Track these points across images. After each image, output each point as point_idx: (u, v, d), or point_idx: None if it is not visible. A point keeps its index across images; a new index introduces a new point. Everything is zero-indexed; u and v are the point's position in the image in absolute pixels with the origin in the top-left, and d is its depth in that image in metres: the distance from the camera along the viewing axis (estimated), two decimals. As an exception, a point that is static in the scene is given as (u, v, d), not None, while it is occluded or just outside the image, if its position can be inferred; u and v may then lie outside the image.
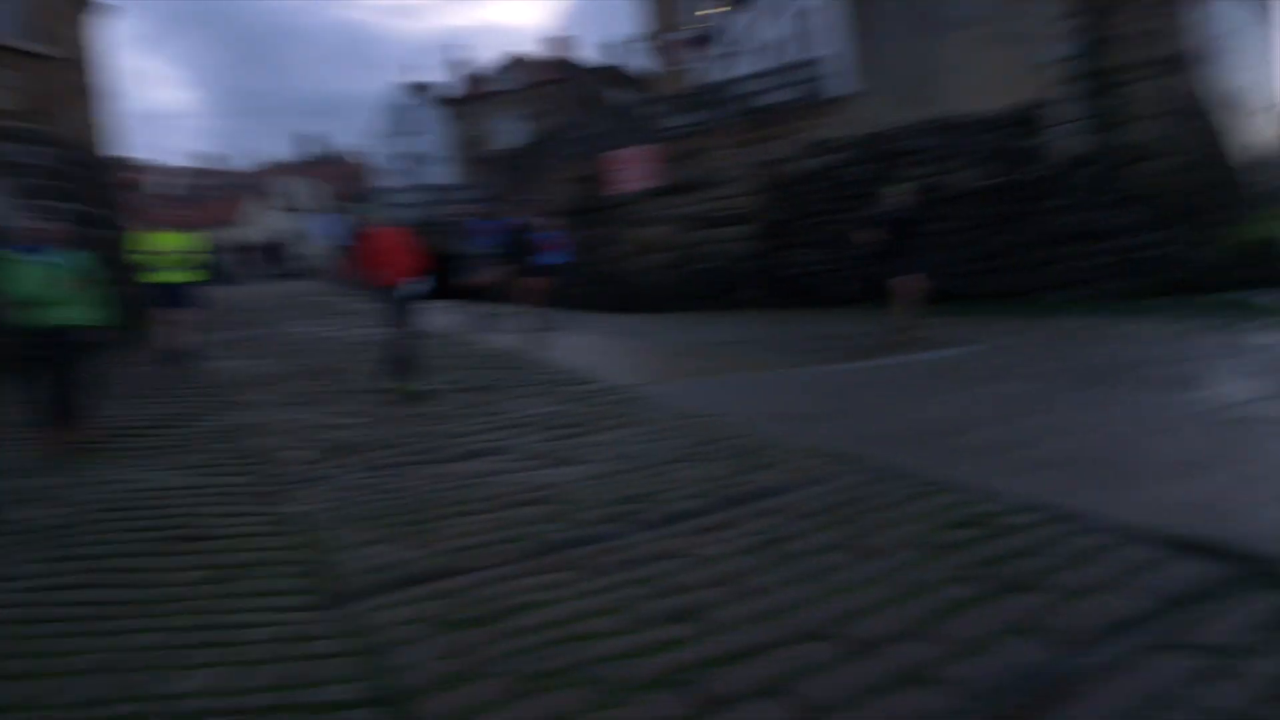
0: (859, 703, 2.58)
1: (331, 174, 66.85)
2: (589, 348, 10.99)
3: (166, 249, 10.31)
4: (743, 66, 24.58)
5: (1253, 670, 2.51)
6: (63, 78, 13.97)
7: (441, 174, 45.97)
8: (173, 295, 10.32)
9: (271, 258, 33.56)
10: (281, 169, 74.53)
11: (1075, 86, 16.43)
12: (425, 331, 8.39)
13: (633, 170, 20.19)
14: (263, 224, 49.71)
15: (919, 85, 17.20)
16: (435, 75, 58.59)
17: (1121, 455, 4.73)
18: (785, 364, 9.35)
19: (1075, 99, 16.39)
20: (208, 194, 69.63)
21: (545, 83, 45.73)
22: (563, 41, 52.40)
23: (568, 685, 2.80)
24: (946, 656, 2.78)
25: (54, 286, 6.54)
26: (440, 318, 8.83)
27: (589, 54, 57.85)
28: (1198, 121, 16.79)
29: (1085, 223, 15.92)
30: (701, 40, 28.73)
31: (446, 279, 13.04)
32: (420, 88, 52.35)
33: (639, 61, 47.39)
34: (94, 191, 14.42)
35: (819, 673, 2.76)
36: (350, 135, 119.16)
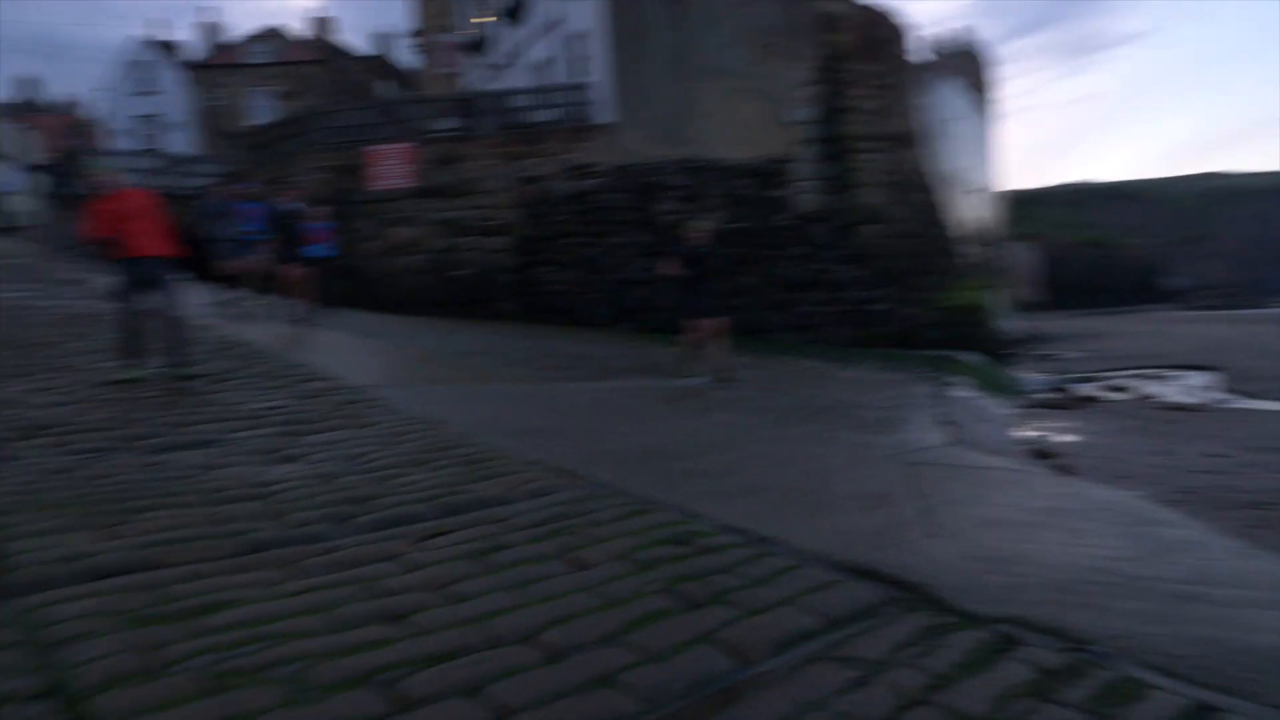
0: (549, 704, 2.71)
1: (50, 124, 59.59)
2: (333, 345, 10.58)
3: None
4: (510, 80, 24.77)
5: (896, 680, 2.89)
6: None
7: (181, 143, 42.30)
8: None
9: None
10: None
11: (814, 148, 18.01)
12: (164, 311, 7.48)
13: (392, 167, 19.66)
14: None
15: (675, 124, 18.14)
16: (183, 35, 53.87)
17: (818, 487, 5.26)
18: (528, 379, 9.51)
19: (813, 159, 17.98)
20: (-113, 124, 59.72)
21: (304, 62, 43.50)
22: (326, 22, 50.04)
23: (257, 683, 2.73)
24: (635, 663, 2.98)
25: None
26: (184, 299, 8.06)
27: (354, 40, 55.55)
28: (919, 194, 18.93)
29: (817, 273, 17.45)
30: (473, 46, 28.61)
31: (196, 258, 12.06)
32: (164, 45, 48.01)
33: (406, 57, 46.31)
34: None
35: (514, 675, 2.86)
36: (77, 85, 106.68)
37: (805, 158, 17.92)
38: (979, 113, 28.72)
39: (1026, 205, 55.56)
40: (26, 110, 68.18)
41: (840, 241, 17.52)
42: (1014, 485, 5.58)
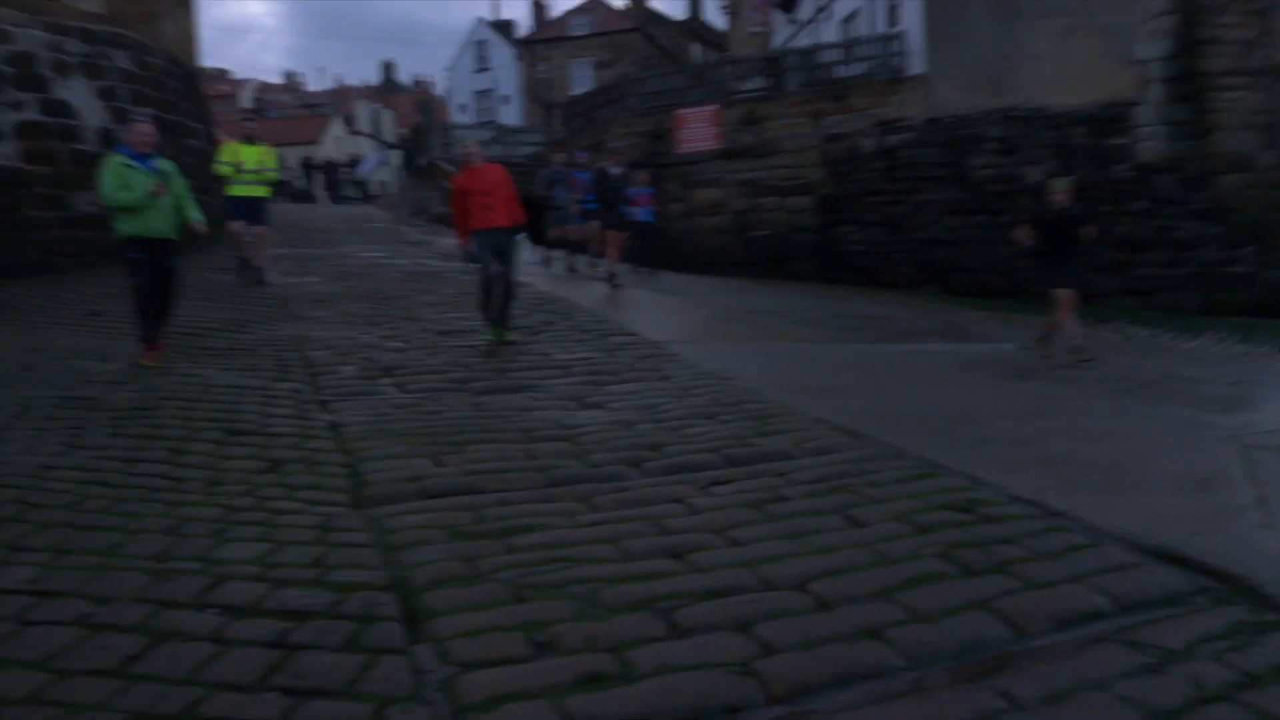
0: (814, 648, 2.83)
1: (402, 103, 67.34)
2: (637, 302, 11.23)
3: (247, 163, 10.53)
4: (818, 36, 24.33)
5: (1195, 672, 2.67)
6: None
7: (510, 115, 46.11)
8: (250, 209, 10.60)
9: (344, 180, 34.07)
10: (358, 93, 75.24)
11: (1163, 88, 16.05)
12: (506, 276, 7.73)
13: (699, 129, 20.17)
14: (337, 146, 50.42)
15: (995, 71, 16.94)
16: (515, 14, 58.22)
17: (1129, 464, 4.85)
18: (821, 338, 9.52)
19: (1162, 101, 16.04)
20: (285, 111, 70.76)
21: (620, 31, 45.41)
22: (644, -11, 51.74)
23: (554, 597, 3.10)
24: (905, 621, 3.01)
25: (157, 194, 6.75)
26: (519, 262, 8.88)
27: (669, 5, 57.12)
28: (1285, 139, 16.31)
29: (1160, 231, 15.67)
30: (783, 4, 28.41)
31: (534, 225, 13.11)
32: (499, 24, 52.33)
33: (718, 19, 46.99)
34: (187, 102, 14.89)
35: (783, 618, 3.01)
36: (426, 66, 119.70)
37: (1152, 100, 16.03)
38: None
39: None
40: (384, 91, 77.78)
41: (1191, 194, 15.54)
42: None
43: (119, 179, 6.66)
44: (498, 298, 7.64)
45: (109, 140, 12.23)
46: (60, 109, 11.94)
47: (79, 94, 12.18)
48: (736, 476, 4.48)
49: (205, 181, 11.90)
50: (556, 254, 14.48)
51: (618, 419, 5.57)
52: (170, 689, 2.59)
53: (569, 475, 4.49)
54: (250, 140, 10.78)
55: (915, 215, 17.46)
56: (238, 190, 10.54)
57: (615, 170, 13.16)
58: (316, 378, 6.51)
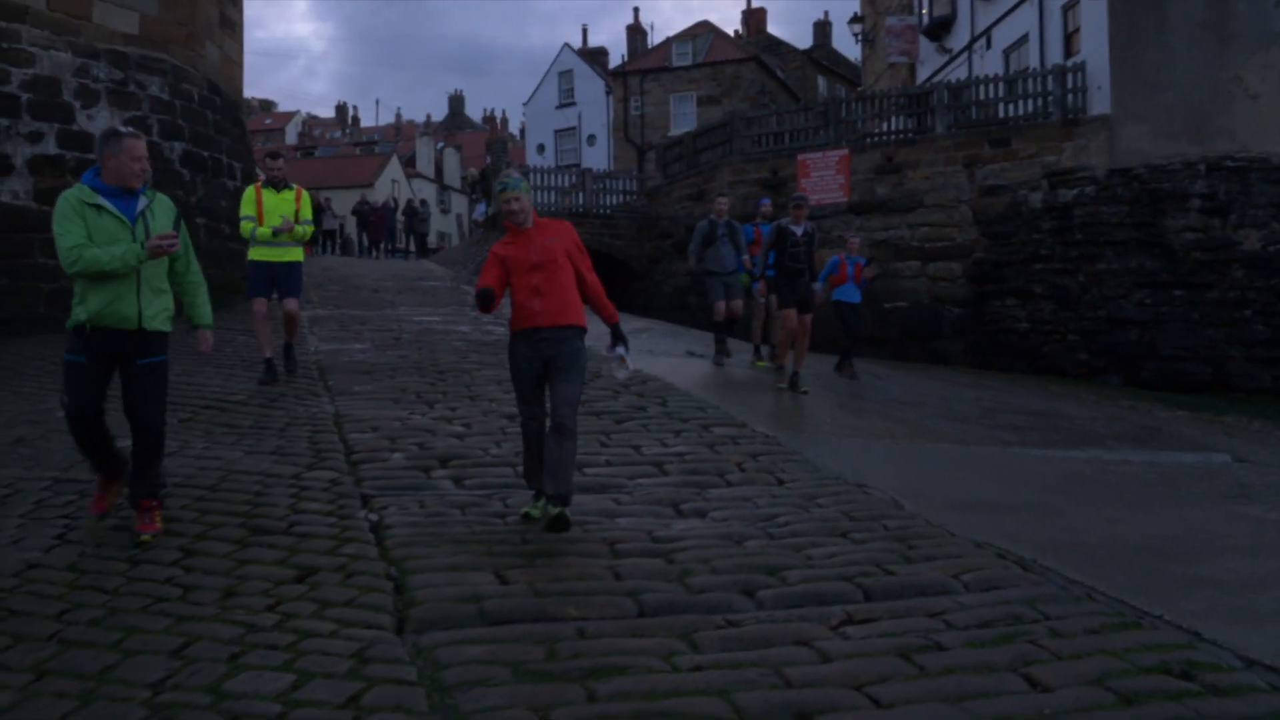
0: None
1: (473, 141, 69.78)
2: (746, 385, 11.14)
3: (272, 215, 9.09)
4: (976, 68, 24.34)
5: None
6: (196, 2, 15.21)
7: (597, 157, 47.16)
8: (275, 278, 9.29)
9: (406, 229, 35.23)
10: (419, 129, 78.46)
11: None
12: (560, 421, 5.48)
13: (825, 178, 20.25)
14: (397, 190, 52.36)
15: (1200, 112, 16.63)
16: (607, 39, 60.04)
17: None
18: (976, 439, 9.24)
19: None
20: (335, 149, 74.17)
21: (731, 61, 46.25)
22: (757, 15, 52.83)
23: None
24: (1109, 823, 2.77)
25: (161, 253, 5.07)
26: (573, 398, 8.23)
27: (790, 32, 58.15)
28: None
29: None
30: (930, 30, 28.60)
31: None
32: (588, 53, 53.94)
33: (849, 47, 47.60)
34: (226, 136, 15.64)
35: (947, 811, 2.80)
36: (501, 98, 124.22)
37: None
38: None
39: None
40: (450, 128, 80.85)
41: None
42: None
43: (78, 226, 4.97)
44: (552, 453, 5.32)
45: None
46: (82, 142, 12.64)
47: (103, 124, 12.90)
48: (878, 614, 4.28)
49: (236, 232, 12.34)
50: (723, 347, 12.49)
51: (723, 532, 5.45)
52: None
53: (663, 603, 4.36)
54: (275, 185, 9.33)
55: (1095, 288, 17.05)
56: (259, 253, 9.38)
57: (799, 230, 10.87)
58: (357, 466, 6.57)
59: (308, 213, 9.53)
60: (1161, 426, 11.06)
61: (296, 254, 9.56)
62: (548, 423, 5.52)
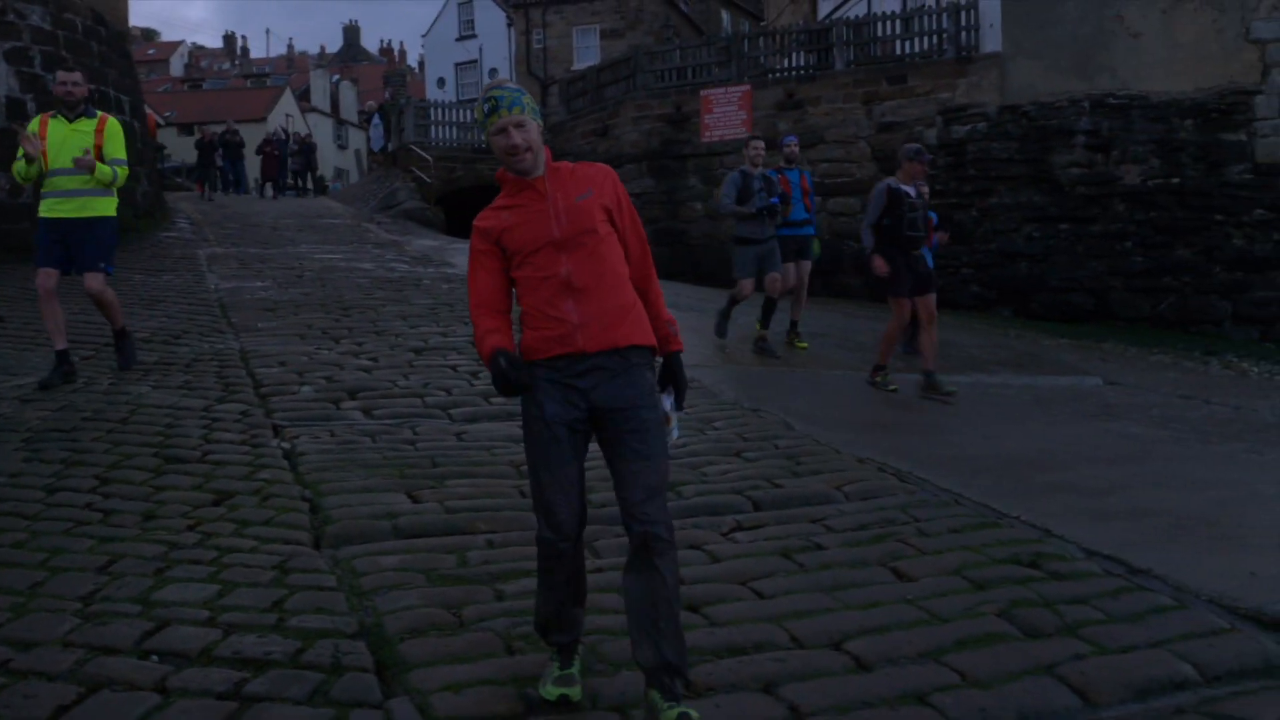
0: (850, 712, 3.03)
1: (371, 74, 68.23)
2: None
3: (60, 153, 6.86)
4: (874, 4, 24.74)
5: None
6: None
7: (500, 90, 46.54)
8: (68, 240, 7.03)
9: (304, 165, 34.25)
10: (314, 61, 76.39)
11: (1289, 76, 16.33)
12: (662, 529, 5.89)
13: (728, 114, 20.53)
14: (290, 124, 51.06)
15: (1087, 49, 17.24)
16: (509, -31, 59.04)
17: (1230, 517, 5.05)
18: (869, 366, 9.71)
19: (1288, 91, 16.31)
20: (225, 81, 71.85)
21: (638, -6, 45.99)
22: (665, -54, 52.52)
23: (542, 650, 3.30)
24: (956, 685, 3.20)
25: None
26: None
27: (697, -36, 57.78)
28: None
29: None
30: (834, -35, 28.89)
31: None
32: (489, -17, 52.98)
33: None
34: (112, 68, 15.28)
35: (816, 679, 3.21)
36: (397, 29, 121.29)
37: (1276, 88, 16.31)
38: None
39: None
40: (346, 60, 78.92)
41: (1319, 203, 15.79)
42: None
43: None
44: (640, 596, 2.95)
45: (18, 111, 12.61)
46: (-40, 71, 12.31)
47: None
48: (764, 521, 4.69)
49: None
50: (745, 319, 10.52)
51: (624, 454, 5.78)
52: (109, 744, 2.80)
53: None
54: (68, 111, 7.01)
55: (986, 223, 17.73)
56: (48, 207, 7.01)
57: (913, 190, 8.51)
58: (267, 399, 6.74)
59: (118, 149, 7.03)
60: (1043, 354, 11.71)
61: (103, 206, 7.09)
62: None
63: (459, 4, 51.94)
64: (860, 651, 3.40)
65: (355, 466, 5.36)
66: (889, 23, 20.32)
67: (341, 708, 2.99)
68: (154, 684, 3.10)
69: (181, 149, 39.94)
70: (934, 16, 19.57)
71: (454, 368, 7.76)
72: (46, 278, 6.91)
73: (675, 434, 3.07)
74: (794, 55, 21.69)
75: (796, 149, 10.66)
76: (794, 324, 10.26)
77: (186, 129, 44.39)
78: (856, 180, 19.07)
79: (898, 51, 19.90)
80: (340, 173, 56.89)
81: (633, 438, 2.90)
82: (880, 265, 8.39)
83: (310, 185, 34.95)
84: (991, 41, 18.39)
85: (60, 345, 6.97)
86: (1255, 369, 11.88)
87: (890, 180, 8.52)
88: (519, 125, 2.96)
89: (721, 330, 9.93)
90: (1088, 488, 5.53)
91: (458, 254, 15.03)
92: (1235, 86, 16.34)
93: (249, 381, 7.17)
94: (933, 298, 8.53)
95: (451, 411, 6.58)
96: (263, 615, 3.57)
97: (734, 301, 9.90)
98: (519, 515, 4.70)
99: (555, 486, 2.95)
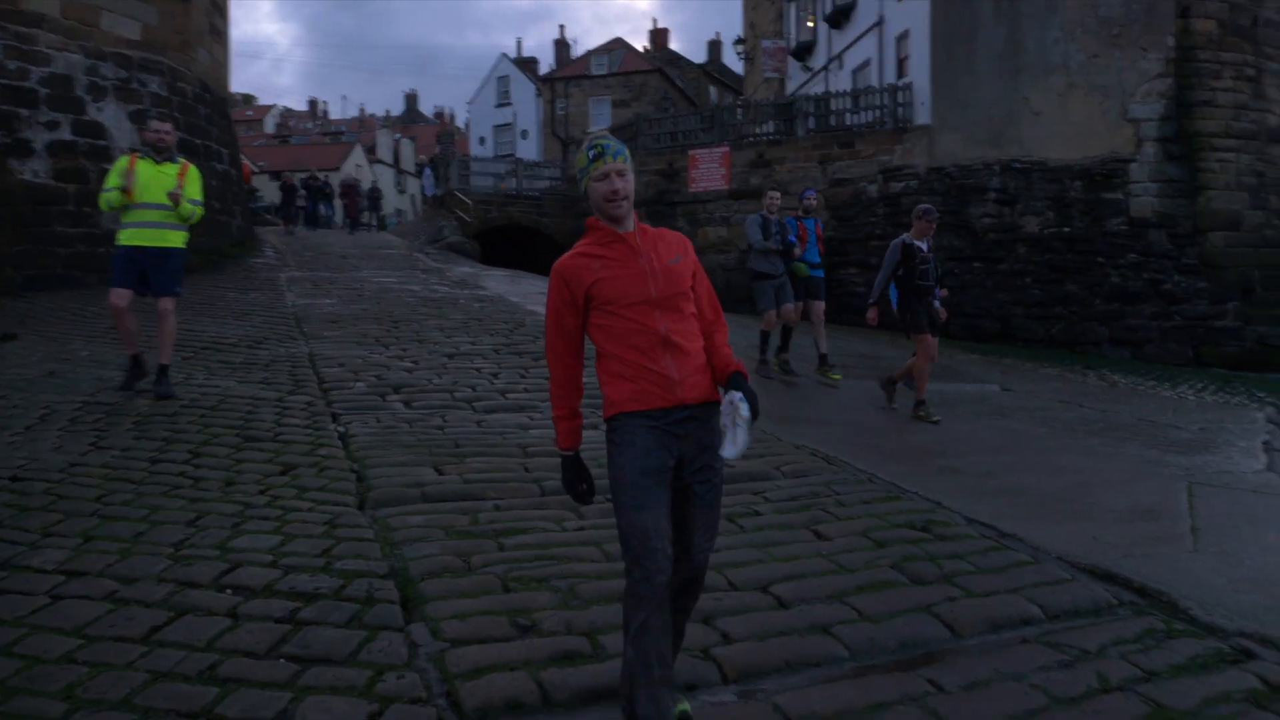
0: (768, 639, 3.15)
1: (426, 133, 68.45)
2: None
3: (145, 190, 6.55)
4: (831, 84, 24.91)
5: (1102, 669, 2.99)
6: (190, 14, 14.94)
7: (529, 150, 46.83)
8: (144, 268, 6.64)
9: (371, 206, 34.20)
10: (380, 122, 76.60)
11: (1158, 147, 16.51)
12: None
13: (710, 170, 20.69)
14: (361, 174, 51.30)
15: (999, 124, 17.41)
16: (539, 49, 59.20)
17: (1083, 496, 5.17)
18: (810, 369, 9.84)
19: (1156, 160, 16.48)
20: (308, 138, 72.05)
21: (639, 71, 46.28)
22: (661, 33, 52.95)
23: (539, 589, 3.43)
24: (853, 620, 3.33)
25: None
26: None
27: (690, 47, 57.97)
28: None
29: (1151, 284, 16.02)
30: (798, 52, 29.07)
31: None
32: (522, 61, 53.30)
33: (735, 63, 47.91)
34: (214, 127, 15.43)
35: (744, 613, 3.33)
36: (446, 97, 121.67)
37: (1146, 158, 16.48)
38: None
39: None
40: (406, 121, 79.18)
41: (1181, 250, 15.93)
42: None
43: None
44: (666, 634, 2.56)
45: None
46: (93, 130, 12.45)
47: (111, 115, 12.70)
48: (716, 493, 4.80)
49: (225, 203, 12.31)
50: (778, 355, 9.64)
51: (610, 439, 5.89)
52: (190, 654, 2.92)
53: (560, 487, 4.79)
54: (157, 155, 6.71)
55: (915, 260, 17.83)
56: (128, 236, 6.60)
57: (923, 246, 7.89)
58: (328, 392, 6.85)
59: (196, 192, 6.73)
60: (956, 367, 11.80)
61: (176, 239, 6.71)
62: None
63: (498, 77, 52.20)
64: (782, 593, 3.52)
65: (395, 446, 5.47)
66: (841, 99, 20.47)
67: (372, 630, 3.11)
68: (226, 610, 3.22)
69: (271, 192, 40.08)
70: (878, 94, 19.75)
71: (479, 370, 7.86)
72: (120, 297, 6.54)
73: (745, 437, 2.56)
74: (765, 124, 21.87)
75: (814, 201, 9.94)
76: (823, 357, 9.54)
77: (276, 175, 44.68)
78: (812, 225, 19.19)
79: (848, 122, 20.08)
80: (400, 212, 57.04)
81: (704, 487, 2.67)
82: (873, 317, 7.84)
83: (374, 223, 35.08)
84: (923, 116, 18.55)
85: (133, 351, 6.72)
86: (1123, 380, 11.98)
87: (904, 236, 7.92)
88: (620, 174, 2.62)
89: (763, 351, 9.42)
90: (974, 471, 5.65)
91: (489, 279, 15.15)
92: (1115, 155, 16.50)
93: (314, 378, 7.28)
94: (936, 340, 7.96)
95: (475, 404, 6.69)
96: (314, 560, 3.69)
97: (765, 333, 9.35)
98: (522, 485, 4.83)
99: (654, 521, 2.50)
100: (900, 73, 20.55)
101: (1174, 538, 4.34)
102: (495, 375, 7.61)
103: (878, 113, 19.56)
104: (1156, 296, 15.79)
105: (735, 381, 2.66)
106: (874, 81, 21.86)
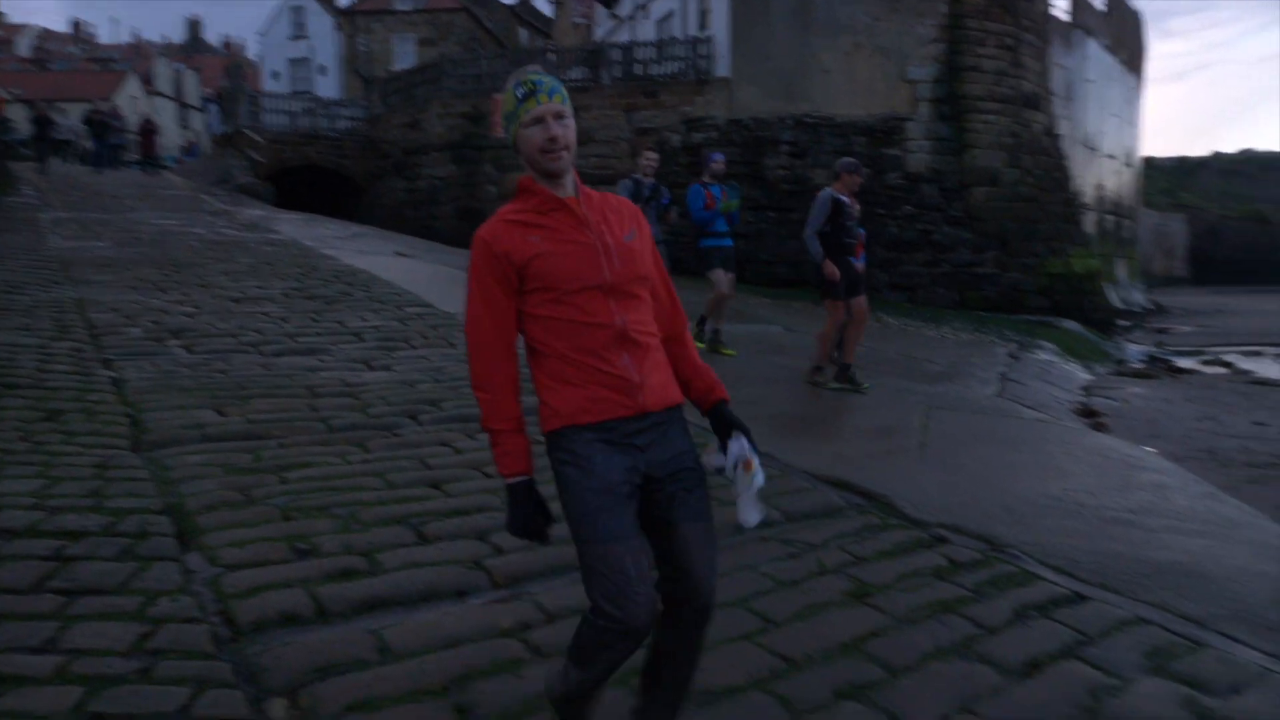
0: (536, 551, 3.44)
1: (212, 65, 63.62)
2: (431, 276, 11.56)
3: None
4: (637, 33, 25.26)
5: (822, 557, 3.49)
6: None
7: (328, 87, 44.60)
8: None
9: (145, 144, 31.39)
10: (158, 50, 70.40)
11: (931, 108, 17.90)
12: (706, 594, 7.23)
13: (515, 115, 20.59)
14: (135, 107, 47.05)
15: (792, 80, 18.31)
16: (336, -19, 56.01)
17: (832, 419, 5.81)
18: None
19: (930, 119, 17.88)
20: (72, 64, 65.21)
21: (447, 9, 44.91)
22: (472, -30, 51.34)
23: (319, 517, 3.57)
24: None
25: None
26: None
27: (499, -11, 56.55)
28: (1040, 158, 18.59)
29: (923, 234, 17.47)
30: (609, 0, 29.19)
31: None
32: (318, -9, 50.29)
33: (547, 6, 47.38)
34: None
35: (516, 529, 3.61)
36: (235, 27, 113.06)
37: (921, 117, 17.85)
38: (1126, 74, 27.45)
39: (1183, 174, 52.50)
40: (189, 50, 73.14)
41: (949, 203, 17.47)
42: (1031, 433, 5.96)
43: None
44: (680, 668, 2.23)
45: None
46: None
47: None
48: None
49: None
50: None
51: (402, 379, 6.00)
52: (-54, 594, 2.88)
53: (347, 424, 4.91)
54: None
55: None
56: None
57: (848, 198, 7.39)
58: (99, 338, 6.53)
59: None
60: (747, 310, 12.53)
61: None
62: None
63: (291, 7, 49.09)
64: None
65: (173, 390, 5.35)
66: (646, 49, 20.82)
67: (145, 561, 3.16)
68: (-14, 554, 3.17)
69: (27, 125, 36.21)
70: (681, 45, 20.24)
71: (267, 314, 7.69)
72: None
73: (760, 479, 2.18)
74: (573, 70, 21.93)
75: (721, 166, 8.91)
76: (717, 331, 8.74)
77: (32, 107, 40.23)
78: (618, 172, 19.52)
79: (653, 72, 20.48)
80: (184, 149, 52.94)
81: (689, 496, 2.10)
82: (832, 270, 7.23)
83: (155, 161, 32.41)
84: (723, 69, 19.20)
85: None
86: (895, 322, 13.15)
87: (830, 189, 7.35)
88: (558, 116, 2.08)
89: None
90: (742, 400, 6.11)
91: (281, 222, 14.60)
92: (895, 114, 17.77)
93: (83, 324, 6.92)
94: (864, 299, 7.45)
95: (261, 348, 6.58)
96: (83, 500, 3.65)
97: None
98: (308, 424, 4.88)
99: (633, 554, 1.98)
100: (703, 25, 21.12)
101: (903, 451, 4.99)
102: (284, 319, 7.48)
103: (681, 64, 20.06)
104: (928, 245, 17.27)
105: (731, 420, 2.25)
106: (678, 32, 22.36)
